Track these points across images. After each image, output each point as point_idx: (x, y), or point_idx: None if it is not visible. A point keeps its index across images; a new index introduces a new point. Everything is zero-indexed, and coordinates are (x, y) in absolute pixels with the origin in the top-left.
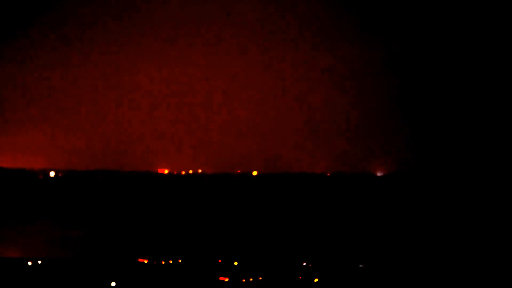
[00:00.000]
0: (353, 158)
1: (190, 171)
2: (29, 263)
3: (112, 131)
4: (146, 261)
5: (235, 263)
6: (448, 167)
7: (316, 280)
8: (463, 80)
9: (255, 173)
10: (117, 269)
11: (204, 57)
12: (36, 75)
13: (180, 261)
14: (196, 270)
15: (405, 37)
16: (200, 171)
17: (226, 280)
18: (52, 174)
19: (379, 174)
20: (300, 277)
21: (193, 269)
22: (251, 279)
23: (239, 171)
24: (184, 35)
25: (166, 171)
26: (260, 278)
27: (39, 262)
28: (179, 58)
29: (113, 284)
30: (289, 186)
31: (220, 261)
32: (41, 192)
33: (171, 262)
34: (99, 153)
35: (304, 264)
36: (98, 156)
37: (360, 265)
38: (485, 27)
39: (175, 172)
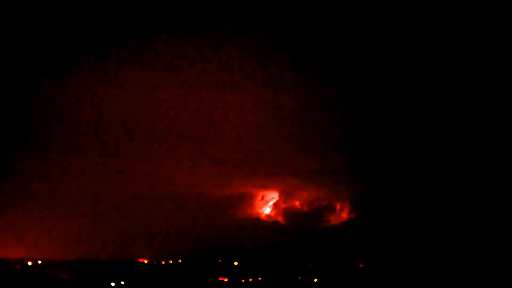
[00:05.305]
0: None
1: (170, 261)
2: (29, 263)
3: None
4: (146, 261)
5: (235, 263)
6: None
7: (316, 280)
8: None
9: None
10: (117, 269)
11: None
12: None
13: (180, 261)
14: (196, 270)
15: None
16: (180, 260)
17: (226, 280)
18: (29, 263)
19: None
20: (300, 277)
21: (193, 269)
22: (251, 279)
23: (220, 260)
24: None
25: (146, 261)
26: (260, 278)
27: (39, 262)
28: None
29: (113, 284)
30: None
31: (220, 261)
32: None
33: (171, 262)
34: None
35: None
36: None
37: (360, 265)
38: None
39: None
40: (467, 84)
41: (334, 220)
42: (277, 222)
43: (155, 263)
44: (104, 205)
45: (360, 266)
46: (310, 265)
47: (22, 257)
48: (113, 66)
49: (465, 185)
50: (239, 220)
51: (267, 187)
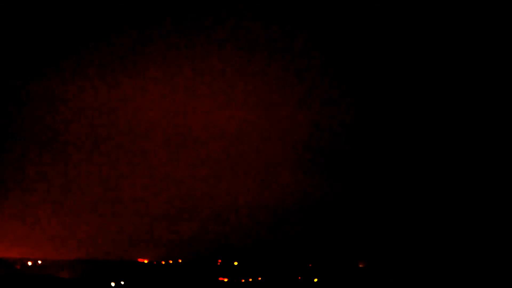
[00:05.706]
0: None
1: (170, 261)
2: (29, 263)
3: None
4: (146, 261)
5: (235, 263)
6: None
7: (316, 280)
8: None
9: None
10: (117, 269)
11: None
12: None
13: (180, 261)
14: (196, 270)
15: None
16: (180, 260)
17: (226, 280)
18: (29, 263)
19: None
20: (300, 277)
21: (193, 269)
22: (251, 279)
23: (220, 260)
24: None
25: (146, 261)
26: (260, 278)
27: (39, 262)
28: None
29: (113, 284)
30: None
31: (220, 261)
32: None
33: (171, 262)
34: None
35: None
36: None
37: (360, 265)
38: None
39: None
40: (464, 85)
41: (334, 219)
42: (277, 221)
43: (155, 263)
44: (104, 205)
45: (360, 266)
46: (310, 265)
47: (22, 257)
48: (115, 66)
49: (465, 185)
50: (239, 220)
51: (263, 187)
